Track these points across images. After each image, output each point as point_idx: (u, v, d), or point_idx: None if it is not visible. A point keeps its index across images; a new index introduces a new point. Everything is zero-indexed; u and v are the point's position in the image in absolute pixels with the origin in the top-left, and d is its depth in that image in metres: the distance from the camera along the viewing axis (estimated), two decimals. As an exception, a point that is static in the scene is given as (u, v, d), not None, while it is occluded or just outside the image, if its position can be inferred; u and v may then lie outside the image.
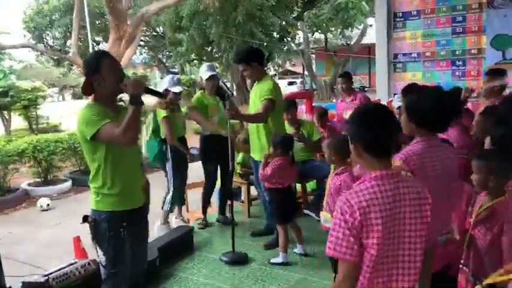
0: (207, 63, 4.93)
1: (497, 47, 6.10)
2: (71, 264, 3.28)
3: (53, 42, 21.62)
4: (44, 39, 21.43)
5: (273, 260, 3.94)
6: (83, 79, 2.55)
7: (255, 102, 4.05)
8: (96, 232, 2.49)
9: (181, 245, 4.21)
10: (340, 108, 5.89)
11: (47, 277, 3.04)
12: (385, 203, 1.60)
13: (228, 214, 4.91)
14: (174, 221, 4.97)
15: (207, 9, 14.57)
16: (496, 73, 4.09)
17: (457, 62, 6.50)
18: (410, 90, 3.09)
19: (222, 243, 4.47)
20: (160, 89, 4.60)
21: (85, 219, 2.53)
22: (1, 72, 14.04)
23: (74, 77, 28.22)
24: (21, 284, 3.07)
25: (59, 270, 3.17)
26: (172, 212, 4.96)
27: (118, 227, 2.48)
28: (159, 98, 3.17)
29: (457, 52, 6.47)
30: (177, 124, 4.75)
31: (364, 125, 1.69)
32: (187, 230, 4.42)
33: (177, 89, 4.72)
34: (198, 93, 4.93)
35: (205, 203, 5.02)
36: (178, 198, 4.92)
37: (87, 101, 2.62)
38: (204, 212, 5.03)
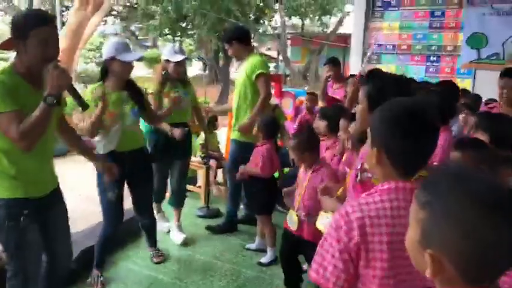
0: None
1: (473, 45, 5.97)
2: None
3: (18, 3, 20.52)
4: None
5: (263, 260, 3.54)
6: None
7: (243, 78, 3.90)
8: None
9: (125, 232, 3.88)
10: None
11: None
12: (395, 224, 1.18)
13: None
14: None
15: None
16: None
17: (431, 57, 6.35)
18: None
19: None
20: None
21: None
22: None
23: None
24: None
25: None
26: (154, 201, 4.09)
27: (17, 216, 2.05)
28: (79, 105, 2.16)
29: (432, 47, 6.32)
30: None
31: (401, 131, 1.23)
32: (132, 216, 4.06)
33: (177, 58, 3.68)
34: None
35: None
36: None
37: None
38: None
